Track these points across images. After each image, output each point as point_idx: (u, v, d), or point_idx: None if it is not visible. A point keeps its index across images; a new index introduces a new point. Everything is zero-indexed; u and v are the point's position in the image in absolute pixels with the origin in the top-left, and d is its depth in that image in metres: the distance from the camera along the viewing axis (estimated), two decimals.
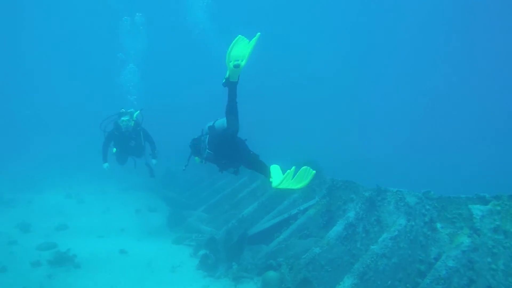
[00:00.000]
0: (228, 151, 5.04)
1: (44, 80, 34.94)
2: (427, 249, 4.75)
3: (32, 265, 5.82)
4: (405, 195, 5.34)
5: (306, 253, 5.62)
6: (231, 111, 4.69)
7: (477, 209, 4.18)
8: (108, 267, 5.89)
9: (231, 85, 4.59)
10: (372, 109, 34.18)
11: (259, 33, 4.30)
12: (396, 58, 35.29)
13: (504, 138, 27.83)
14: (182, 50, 35.64)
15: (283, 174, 4.26)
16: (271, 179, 4.46)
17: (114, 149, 7.10)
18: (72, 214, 9.02)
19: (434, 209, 4.90)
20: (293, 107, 30.96)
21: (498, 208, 4.25)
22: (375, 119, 32.94)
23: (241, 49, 4.33)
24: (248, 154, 4.96)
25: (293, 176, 4.07)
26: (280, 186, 4.07)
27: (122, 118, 6.80)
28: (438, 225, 4.79)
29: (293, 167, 4.09)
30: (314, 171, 4.01)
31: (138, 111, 7.21)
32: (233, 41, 4.30)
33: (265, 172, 4.67)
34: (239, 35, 4.36)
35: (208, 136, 5.32)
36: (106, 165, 7.21)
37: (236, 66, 4.32)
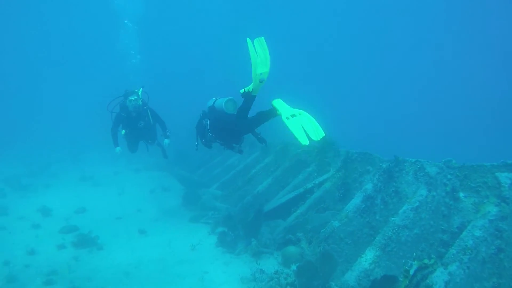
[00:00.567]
0: (229, 131, 5.10)
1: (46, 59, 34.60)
2: (449, 219, 4.68)
3: (57, 247, 5.97)
4: (424, 165, 5.21)
5: (324, 226, 5.62)
6: (243, 114, 4.81)
7: (505, 177, 4.04)
8: (129, 247, 6.00)
9: (249, 98, 4.68)
10: (382, 77, 33.42)
11: (262, 38, 4.29)
12: (410, 25, 33.79)
13: None
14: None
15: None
16: (278, 113, 4.49)
17: (123, 131, 6.96)
18: (88, 197, 9.14)
19: (456, 178, 4.77)
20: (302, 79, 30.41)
21: None
22: (385, 89, 32.29)
23: (262, 60, 4.31)
24: (248, 121, 4.99)
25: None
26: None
27: (130, 98, 6.63)
28: (461, 195, 4.68)
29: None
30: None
31: (141, 89, 6.97)
32: (252, 50, 4.26)
33: (272, 114, 4.68)
34: (259, 38, 4.28)
35: (208, 120, 5.37)
36: (118, 149, 7.13)
37: (261, 81, 4.43)
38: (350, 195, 6.37)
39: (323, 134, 4.07)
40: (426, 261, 3.21)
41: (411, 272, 3.18)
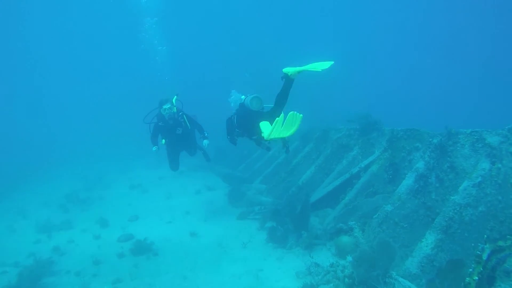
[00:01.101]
0: (254, 127, 5.10)
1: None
2: None
3: (118, 256, 6.30)
4: (484, 135, 4.72)
5: (376, 212, 5.35)
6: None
7: None
8: (183, 251, 6.17)
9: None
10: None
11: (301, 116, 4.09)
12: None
13: None
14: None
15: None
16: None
17: (163, 140, 7.03)
18: (139, 204, 9.58)
19: None
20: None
21: None
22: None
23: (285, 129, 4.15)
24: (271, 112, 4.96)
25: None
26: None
27: (164, 107, 6.72)
28: None
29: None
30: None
31: (175, 96, 7.04)
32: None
33: (288, 84, 4.73)
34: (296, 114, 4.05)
35: (236, 116, 5.46)
36: (154, 148, 7.04)
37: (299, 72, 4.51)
38: (400, 176, 6.01)
39: (332, 62, 4.30)
40: (501, 243, 2.88)
41: (484, 256, 2.87)
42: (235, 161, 11.98)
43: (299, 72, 4.56)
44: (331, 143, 8.01)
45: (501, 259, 2.90)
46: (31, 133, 24.75)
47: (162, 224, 7.82)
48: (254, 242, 6.04)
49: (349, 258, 4.42)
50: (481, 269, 2.87)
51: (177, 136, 6.91)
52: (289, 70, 4.64)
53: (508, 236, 3.05)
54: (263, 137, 4.49)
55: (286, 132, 4.10)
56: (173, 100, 6.84)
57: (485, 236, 3.16)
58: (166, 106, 6.68)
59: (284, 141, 5.14)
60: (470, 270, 2.99)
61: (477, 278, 2.86)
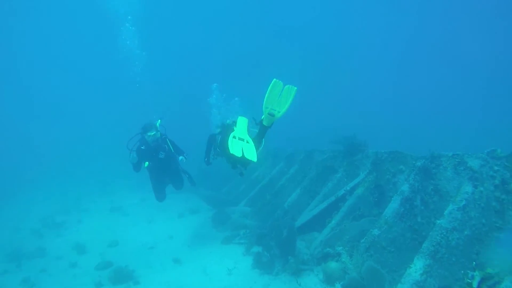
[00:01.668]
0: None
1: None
2: (504, 214, 4.28)
3: (95, 286, 5.94)
4: (465, 158, 4.83)
5: (363, 235, 5.31)
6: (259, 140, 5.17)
7: None
8: (165, 279, 5.88)
9: (263, 128, 5.08)
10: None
11: (295, 88, 4.80)
12: None
13: None
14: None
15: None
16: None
17: (146, 163, 6.82)
18: (119, 228, 9.18)
19: (505, 169, 4.37)
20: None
21: None
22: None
23: (278, 99, 4.82)
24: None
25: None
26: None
27: (149, 134, 6.55)
28: None
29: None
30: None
31: (159, 120, 6.92)
32: (269, 86, 4.80)
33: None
34: (275, 80, 4.80)
35: (221, 136, 5.60)
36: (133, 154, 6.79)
37: (271, 115, 4.85)
38: (385, 199, 6.03)
39: (255, 160, 4.82)
40: (489, 270, 2.88)
41: (474, 285, 2.85)
42: (219, 183, 11.79)
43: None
44: (316, 165, 8.03)
45: (490, 286, 2.89)
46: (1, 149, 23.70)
47: (144, 249, 7.49)
48: (240, 268, 5.84)
49: (338, 285, 4.32)
50: None
51: (159, 160, 6.74)
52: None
53: (495, 262, 3.06)
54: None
55: (281, 106, 4.76)
56: (157, 125, 6.73)
57: (474, 263, 3.16)
58: (151, 133, 6.54)
59: (244, 162, 5.40)
60: None
61: None
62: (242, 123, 5.19)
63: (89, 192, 14.43)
